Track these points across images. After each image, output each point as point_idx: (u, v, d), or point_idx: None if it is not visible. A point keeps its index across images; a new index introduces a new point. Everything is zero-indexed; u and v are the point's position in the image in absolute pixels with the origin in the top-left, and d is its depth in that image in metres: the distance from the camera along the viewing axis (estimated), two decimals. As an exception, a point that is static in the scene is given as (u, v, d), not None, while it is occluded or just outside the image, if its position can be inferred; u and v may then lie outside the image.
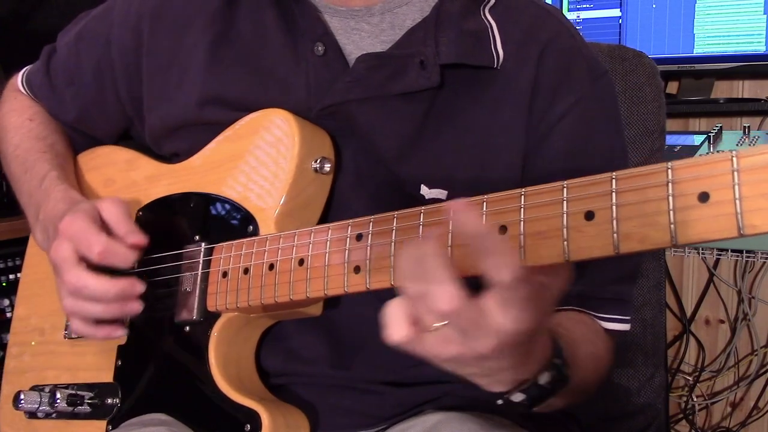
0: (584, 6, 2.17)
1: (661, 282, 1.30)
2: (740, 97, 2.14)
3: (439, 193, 0.90)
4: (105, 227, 0.92)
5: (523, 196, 0.62)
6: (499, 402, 0.72)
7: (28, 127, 1.15)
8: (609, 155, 0.96)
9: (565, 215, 0.60)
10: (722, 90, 2.14)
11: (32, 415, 1.05)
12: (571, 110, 0.92)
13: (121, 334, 0.95)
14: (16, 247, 1.28)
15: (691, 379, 2.22)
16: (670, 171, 0.55)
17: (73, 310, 0.92)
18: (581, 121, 0.93)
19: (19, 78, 1.21)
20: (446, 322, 0.61)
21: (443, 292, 0.58)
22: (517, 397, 0.71)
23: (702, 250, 1.95)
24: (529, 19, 0.95)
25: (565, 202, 0.60)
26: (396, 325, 0.62)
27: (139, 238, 0.92)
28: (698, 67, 2.05)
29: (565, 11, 2.17)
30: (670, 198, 0.54)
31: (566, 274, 0.64)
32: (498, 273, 0.57)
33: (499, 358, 0.63)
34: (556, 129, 0.92)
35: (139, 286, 0.92)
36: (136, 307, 0.92)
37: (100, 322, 0.93)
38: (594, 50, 1.00)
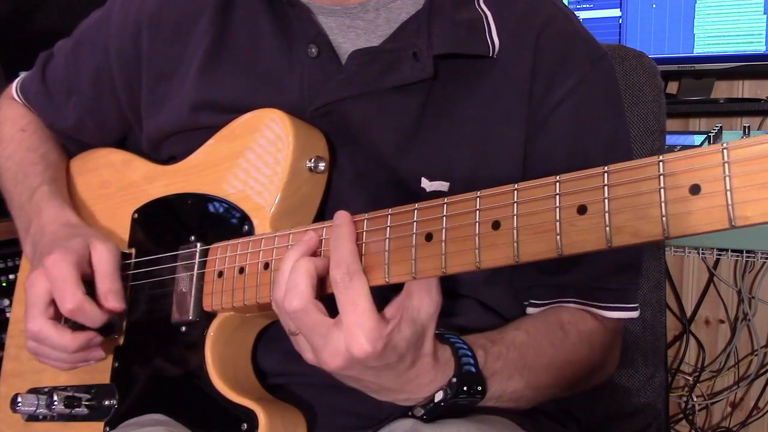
0: (584, 6, 2.16)
1: (661, 282, 1.30)
2: (740, 97, 2.13)
3: (440, 185, 0.90)
4: (91, 271, 0.93)
5: (516, 192, 0.62)
6: (410, 414, 0.82)
7: (20, 138, 1.15)
8: (613, 138, 0.96)
9: (558, 209, 0.60)
10: (722, 90, 2.13)
11: (30, 417, 1.05)
12: (572, 94, 0.92)
13: (98, 357, 0.97)
14: (16, 247, 1.28)
15: (691, 379, 2.21)
16: (661, 164, 0.55)
17: (37, 353, 0.95)
18: (582, 104, 0.93)
19: (13, 86, 1.21)
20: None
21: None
22: (418, 411, 0.81)
23: (702, 250, 1.94)
24: (523, 5, 0.94)
25: (557, 196, 0.60)
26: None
27: (117, 305, 0.92)
28: (698, 67, 2.04)
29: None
30: (662, 191, 0.55)
31: (437, 297, 0.73)
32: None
33: (366, 377, 0.75)
34: (557, 113, 0.92)
35: (99, 338, 0.94)
36: (100, 354, 0.96)
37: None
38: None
